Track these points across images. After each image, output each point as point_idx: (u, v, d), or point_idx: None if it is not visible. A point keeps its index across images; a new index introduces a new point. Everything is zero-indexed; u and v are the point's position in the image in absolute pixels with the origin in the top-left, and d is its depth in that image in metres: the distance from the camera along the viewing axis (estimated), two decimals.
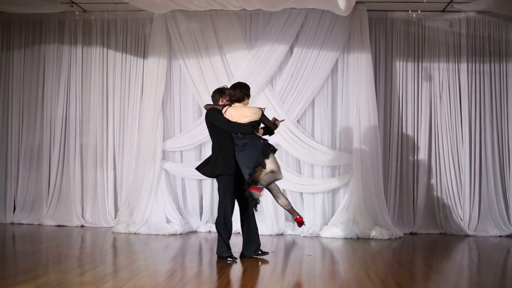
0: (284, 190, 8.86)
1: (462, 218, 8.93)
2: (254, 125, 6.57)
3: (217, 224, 6.64)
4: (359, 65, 8.76)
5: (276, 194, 6.75)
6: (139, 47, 9.36)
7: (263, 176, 6.48)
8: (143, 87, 9.15)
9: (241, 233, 6.84)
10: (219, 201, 6.67)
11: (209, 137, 6.99)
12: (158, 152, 8.90)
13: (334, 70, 9.00)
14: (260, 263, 6.40)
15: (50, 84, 9.55)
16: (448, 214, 8.99)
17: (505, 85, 9.07)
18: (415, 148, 9.07)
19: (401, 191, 9.06)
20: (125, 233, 8.54)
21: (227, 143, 6.62)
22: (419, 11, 8.70)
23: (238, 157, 6.56)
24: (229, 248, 6.59)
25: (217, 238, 6.69)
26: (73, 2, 8.89)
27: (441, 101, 9.07)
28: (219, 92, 6.91)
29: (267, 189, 6.59)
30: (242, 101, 6.67)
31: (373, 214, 8.59)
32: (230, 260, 6.46)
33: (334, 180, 8.81)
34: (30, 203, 9.52)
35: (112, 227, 8.91)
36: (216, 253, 6.64)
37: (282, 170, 6.75)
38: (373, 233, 8.39)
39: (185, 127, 9.15)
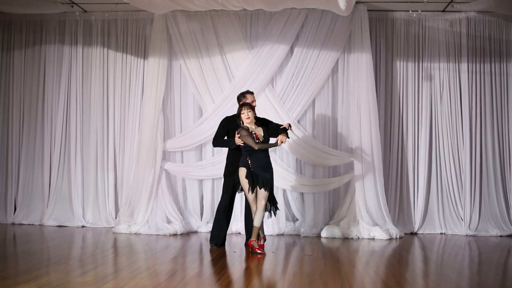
0: (284, 190, 8.90)
1: (462, 218, 8.93)
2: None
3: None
4: (360, 65, 8.76)
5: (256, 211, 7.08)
6: (139, 47, 9.37)
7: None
8: (144, 88, 9.15)
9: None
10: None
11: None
12: (158, 153, 8.90)
13: (334, 70, 9.01)
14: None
15: (51, 84, 9.55)
16: (448, 214, 9.00)
17: (506, 85, 9.07)
18: (415, 148, 9.07)
19: (401, 191, 9.07)
20: (125, 233, 8.54)
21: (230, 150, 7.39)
22: (419, 11, 8.72)
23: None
24: (216, 237, 7.45)
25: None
26: (73, 3, 8.90)
27: (442, 101, 9.07)
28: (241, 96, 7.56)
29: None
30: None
31: (373, 214, 8.59)
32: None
33: (334, 180, 8.82)
34: (31, 203, 9.52)
35: (112, 227, 8.92)
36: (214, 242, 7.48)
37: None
38: (373, 233, 8.39)
39: (185, 127, 9.15)
